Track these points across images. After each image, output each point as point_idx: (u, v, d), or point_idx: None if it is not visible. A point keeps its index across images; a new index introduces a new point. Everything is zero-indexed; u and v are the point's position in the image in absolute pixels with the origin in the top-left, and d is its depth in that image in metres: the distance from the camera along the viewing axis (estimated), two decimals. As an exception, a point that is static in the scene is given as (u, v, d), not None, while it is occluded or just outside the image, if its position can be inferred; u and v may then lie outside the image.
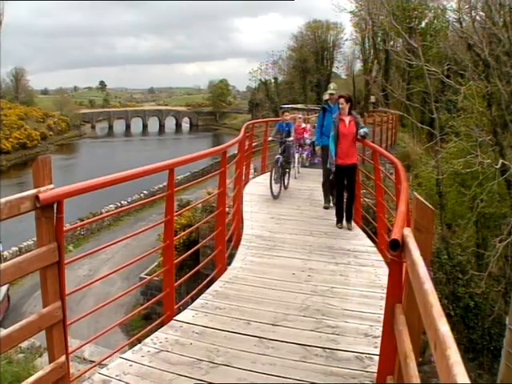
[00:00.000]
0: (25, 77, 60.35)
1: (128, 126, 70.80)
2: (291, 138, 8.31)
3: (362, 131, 6.23)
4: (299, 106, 27.47)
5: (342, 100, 6.24)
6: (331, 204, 7.28)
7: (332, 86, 8.36)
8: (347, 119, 6.23)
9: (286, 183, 8.53)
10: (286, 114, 9.03)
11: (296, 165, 9.73)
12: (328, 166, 6.57)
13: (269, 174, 8.33)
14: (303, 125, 10.81)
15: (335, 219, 6.55)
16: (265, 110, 40.17)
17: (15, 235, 17.07)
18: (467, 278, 10.10)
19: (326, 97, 10.94)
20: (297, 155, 9.88)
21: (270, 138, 8.73)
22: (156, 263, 14.68)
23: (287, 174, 8.55)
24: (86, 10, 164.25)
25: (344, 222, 6.42)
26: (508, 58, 11.99)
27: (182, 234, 7.51)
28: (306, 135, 10.55)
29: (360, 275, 4.76)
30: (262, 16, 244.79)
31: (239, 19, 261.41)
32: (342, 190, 6.42)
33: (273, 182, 7.82)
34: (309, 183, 9.02)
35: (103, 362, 3.16)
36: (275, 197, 7.79)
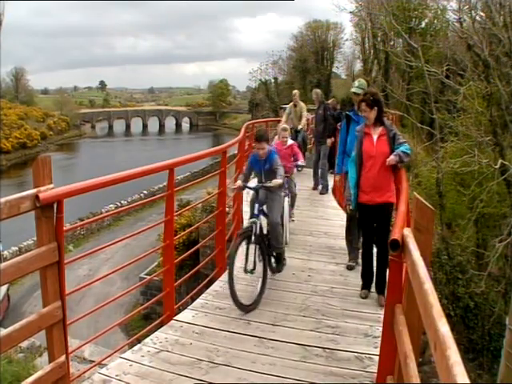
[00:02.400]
0: (25, 77, 60.42)
1: (128, 126, 70.79)
2: (279, 181, 4.13)
3: (394, 156, 3.92)
4: (299, 106, 27.42)
5: (363, 105, 4.04)
6: (357, 262, 4.87)
7: (357, 82, 5.35)
8: (376, 133, 4.06)
9: (273, 267, 4.49)
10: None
11: (286, 222, 5.39)
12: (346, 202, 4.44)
13: None
14: (290, 141, 6.26)
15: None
16: (265, 109, 40.14)
17: (15, 235, 17.06)
18: (467, 277, 10.10)
19: (314, 96, 9.03)
20: (287, 205, 5.55)
21: (235, 186, 4.51)
22: (156, 263, 14.68)
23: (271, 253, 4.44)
24: (86, 9, 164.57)
25: (369, 290, 4.26)
26: (508, 58, 11.99)
27: (182, 233, 7.53)
28: (299, 162, 5.91)
29: (360, 275, 4.76)
30: (261, 16, 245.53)
31: (238, 19, 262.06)
32: (370, 239, 4.24)
33: (234, 280, 3.82)
34: (308, 183, 9.01)
35: (103, 362, 3.16)
36: (245, 308, 3.86)
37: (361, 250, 4.60)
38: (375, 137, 4.07)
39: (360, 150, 4.10)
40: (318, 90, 9.32)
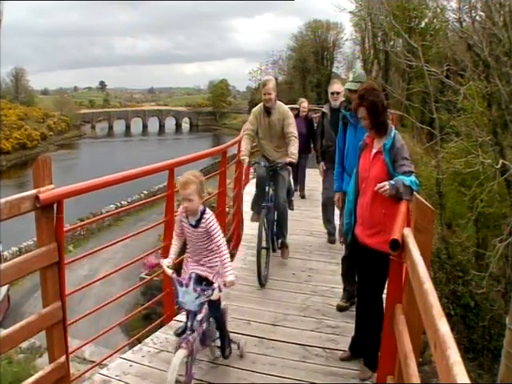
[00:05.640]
0: (25, 77, 60.32)
1: (128, 126, 70.75)
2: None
3: (389, 186, 2.62)
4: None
5: (361, 109, 2.84)
6: (350, 302, 3.84)
7: (352, 74, 4.15)
8: (376, 146, 2.89)
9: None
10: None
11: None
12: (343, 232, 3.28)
13: None
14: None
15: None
16: (265, 110, 40.17)
17: (15, 235, 17.05)
18: (468, 278, 10.12)
19: (332, 88, 5.38)
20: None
21: None
22: (156, 263, 14.68)
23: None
24: (85, 10, 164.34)
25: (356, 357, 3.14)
26: (508, 58, 11.99)
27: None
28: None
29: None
30: (259, 16, 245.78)
31: (237, 19, 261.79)
32: (365, 288, 2.98)
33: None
34: (309, 183, 9.00)
35: (103, 362, 3.16)
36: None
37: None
38: (374, 151, 2.89)
39: (357, 166, 3.02)
40: None
